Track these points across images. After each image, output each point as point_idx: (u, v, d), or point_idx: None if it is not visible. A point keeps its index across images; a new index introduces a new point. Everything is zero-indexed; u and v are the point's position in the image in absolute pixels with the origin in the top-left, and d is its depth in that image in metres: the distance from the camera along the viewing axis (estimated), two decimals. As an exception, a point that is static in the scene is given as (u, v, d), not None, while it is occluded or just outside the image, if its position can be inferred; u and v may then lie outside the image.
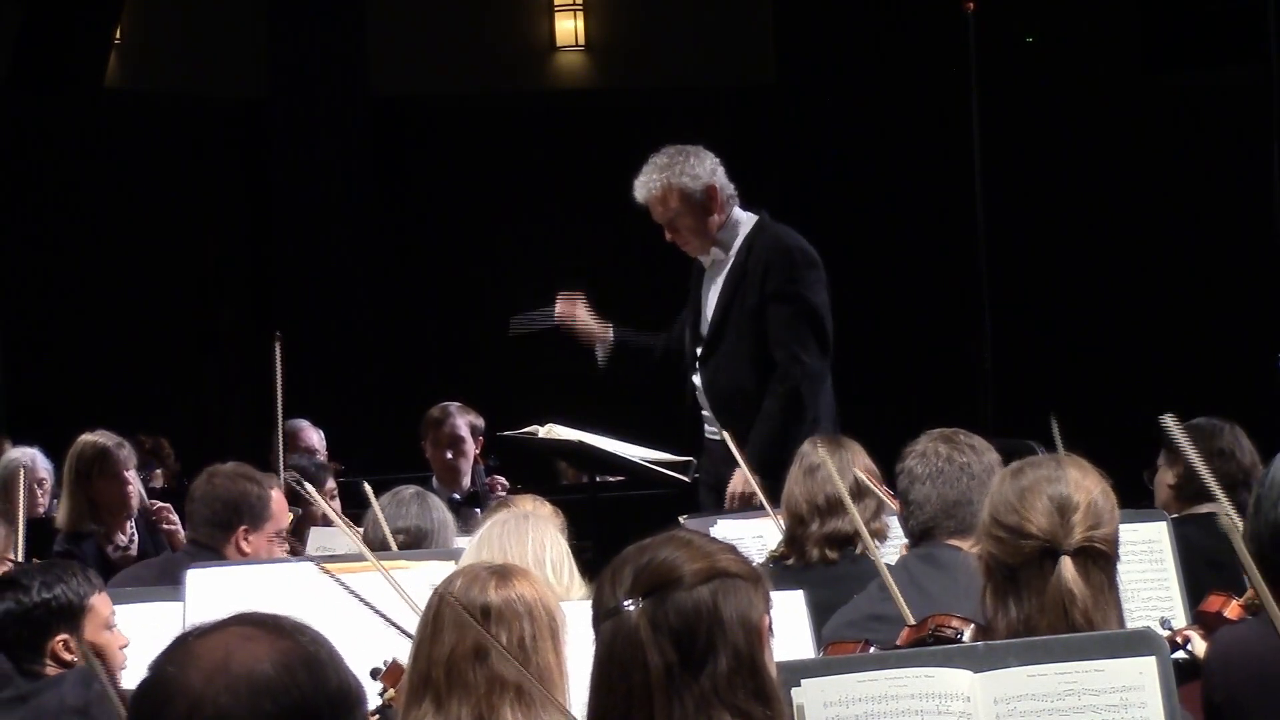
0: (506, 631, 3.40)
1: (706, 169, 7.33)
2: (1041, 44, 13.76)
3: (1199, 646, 4.37)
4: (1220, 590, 4.61)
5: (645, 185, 7.34)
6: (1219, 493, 5.06)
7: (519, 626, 3.41)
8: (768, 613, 3.07)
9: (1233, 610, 4.45)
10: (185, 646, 2.30)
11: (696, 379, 7.42)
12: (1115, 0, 13.61)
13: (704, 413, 7.42)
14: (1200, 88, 13.25)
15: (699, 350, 7.42)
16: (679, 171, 7.30)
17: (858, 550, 5.46)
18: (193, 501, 5.99)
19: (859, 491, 5.46)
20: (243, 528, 5.91)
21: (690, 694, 2.98)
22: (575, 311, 7.66)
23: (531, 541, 4.36)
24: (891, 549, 5.47)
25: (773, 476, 6.22)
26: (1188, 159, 13.21)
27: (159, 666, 2.30)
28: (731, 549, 3.13)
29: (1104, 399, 12.52)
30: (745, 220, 7.40)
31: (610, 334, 7.65)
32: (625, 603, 3.02)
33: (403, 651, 4.19)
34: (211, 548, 5.90)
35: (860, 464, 5.58)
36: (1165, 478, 6.04)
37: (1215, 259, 13.03)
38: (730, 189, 7.37)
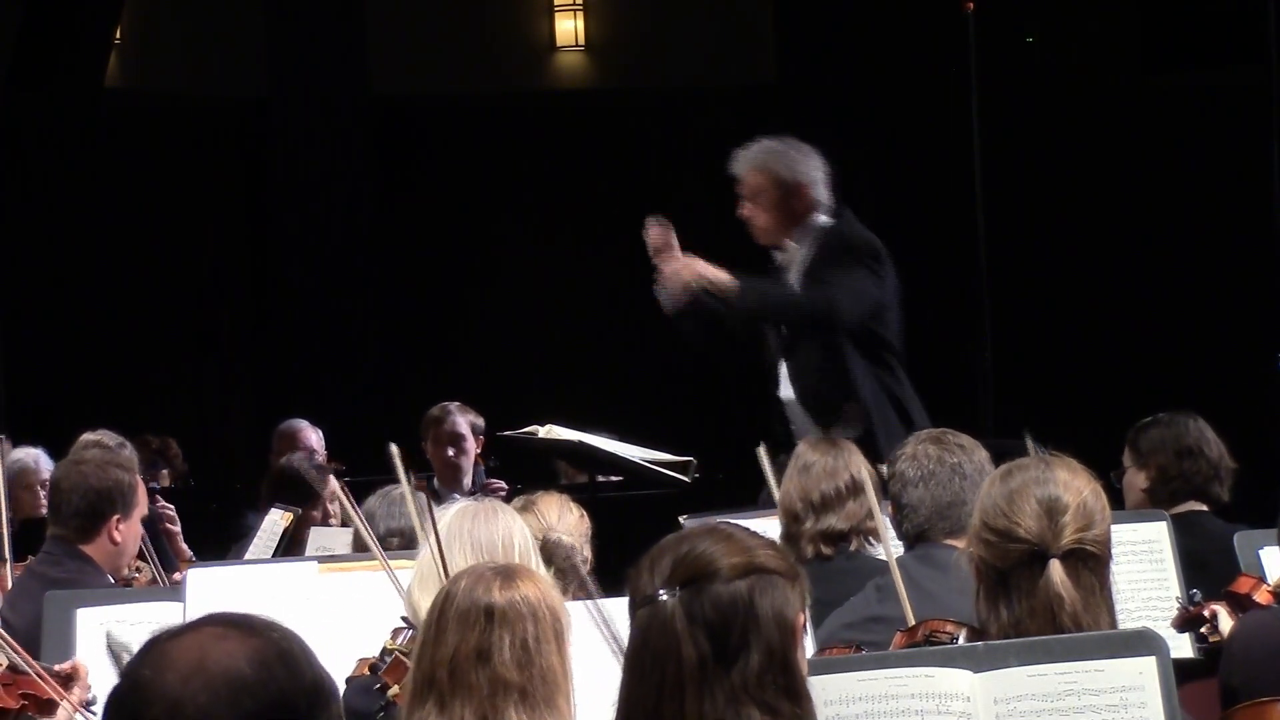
0: (510, 633, 3.39)
1: (807, 167, 7.38)
2: (1041, 44, 13.75)
3: (1225, 623, 4.37)
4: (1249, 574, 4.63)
5: (745, 156, 7.41)
6: None
7: (523, 628, 3.40)
8: (804, 611, 3.07)
9: (1262, 594, 4.45)
10: (158, 649, 2.28)
11: (783, 388, 7.36)
12: (1115, 1, 13.60)
13: (792, 426, 7.30)
14: (1200, 88, 13.24)
15: (782, 355, 7.38)
16: (780, 157, 7.38)
17: (852, 547, 5.48)
18: (58, 491, 5.75)
19: (854, 489, 5.48)
20: (116, 516, 5.74)
21: (721, 687, 2.98)
22: (671, 253, 7.31)
23: (502, 531, 4.36)
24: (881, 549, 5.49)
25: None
26: (1187, 160, 13.20)
27: (133, 671, 2.28)
28: (772, 545, 3.13)
29: (1104, 399, 12.52)
30: (823, 223, 7.40)
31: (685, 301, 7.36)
32: (662, 592, 3.02)
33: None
34: (78, 541, 5.70)
35: (855, 464, 5.59)
36: (1137, 480, 5.91)
37: (1215, 259, 13.02)
38: (823, 198, 7.35)
